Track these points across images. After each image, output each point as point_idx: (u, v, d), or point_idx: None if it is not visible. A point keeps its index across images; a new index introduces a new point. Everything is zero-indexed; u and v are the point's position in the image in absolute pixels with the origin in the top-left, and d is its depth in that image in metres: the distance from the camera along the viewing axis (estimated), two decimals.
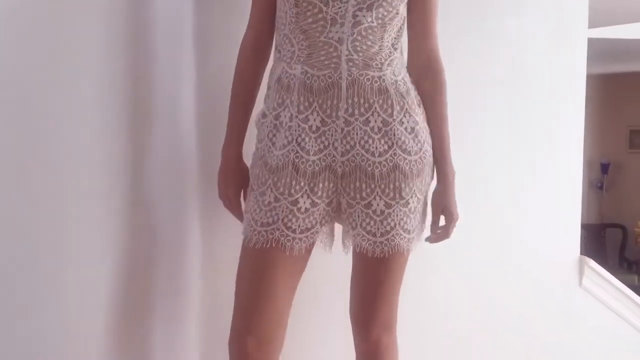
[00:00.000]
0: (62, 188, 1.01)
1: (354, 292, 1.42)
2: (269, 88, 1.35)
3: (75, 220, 1.06)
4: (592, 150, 5.78)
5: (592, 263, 2.20)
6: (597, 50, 2.30)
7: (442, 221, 1.43)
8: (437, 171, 1.40)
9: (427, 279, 1.87)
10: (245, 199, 1.39)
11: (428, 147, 1.35)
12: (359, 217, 1.30)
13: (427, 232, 1.45)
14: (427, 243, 1.45)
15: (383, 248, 1.30)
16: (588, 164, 2.27)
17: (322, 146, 1.27)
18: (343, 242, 1.38)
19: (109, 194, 1.19)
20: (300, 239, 1.26)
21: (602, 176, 6.87)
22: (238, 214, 1.41)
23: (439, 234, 1.42)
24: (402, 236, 1.31)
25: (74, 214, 1.06)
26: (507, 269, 2.06)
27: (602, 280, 2.26)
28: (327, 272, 1.56)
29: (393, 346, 1.45)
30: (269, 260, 1.26)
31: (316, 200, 1.27)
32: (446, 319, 1.96)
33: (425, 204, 1.40)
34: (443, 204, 1.39)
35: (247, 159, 1.42)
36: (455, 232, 1.57)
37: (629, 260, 6.35)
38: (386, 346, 1.42)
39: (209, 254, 1.64)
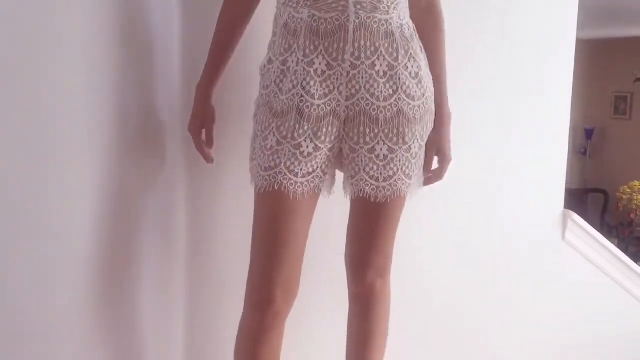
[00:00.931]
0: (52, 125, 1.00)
1: (351, 237, 1.43)
2: (274, 34, 1.34)
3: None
4: (577, 115, 5.81)
5: (576, 217, 2.24)
6: (585, 13, 2.29)
7: (435, 164, 1.45)
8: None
9: (412, 230, 1.88)
10: (207, 138, 1.41)
11: (430, 94, 1.36)
12: (362, 162, 1.31)
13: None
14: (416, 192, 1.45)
15: (385, 193, 1.32)
16: (572, 130, 2.29)
17: (327, 90, 1.26)
18: (344, 188, 1.38)
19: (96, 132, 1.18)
20: (303, 183, 1.26)
21: (586, 142, 6.93)
22: (199, 149, 1.41)
23: (432, 176, 1.44)
24: (404, 181, 1.33)
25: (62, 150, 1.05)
26: (492, 222, 2.08)
27: (584, 234, 2.30)
28: (320, 221, 1.56)
29: (386, 291, 1.47)
30: (278, 205, 1.26)
31: (319, 145, 1.27)
32: (430, 271, 1.98)
33: (424, 151, 1.41)
34: (438, 145, 1.41)
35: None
36: (442, 185, 1.58)
37: (610, 225, 6.46)
38: (380, 291, 1.45)
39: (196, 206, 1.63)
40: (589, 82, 6.29)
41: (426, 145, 1.39)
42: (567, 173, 2.26)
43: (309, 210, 1.31)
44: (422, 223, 1.91)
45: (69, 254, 1.22)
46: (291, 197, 1.25)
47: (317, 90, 1.25)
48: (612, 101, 6.89)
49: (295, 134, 1.25)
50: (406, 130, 1.30)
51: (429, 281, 1.98)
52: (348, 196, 1.37)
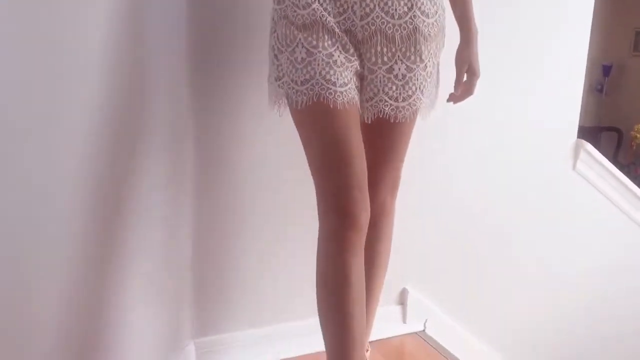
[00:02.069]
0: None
1: (365, 156, 1.40)
2: None
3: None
4: (595, 51, 5.69)
5: (589, 146, 2.24)
6: None
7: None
8: (461, 30, 1.44)
9: (425, 159, 1.90)
10: None
11: (442, 12, 1.36)
12: (380, 82, 1.31)
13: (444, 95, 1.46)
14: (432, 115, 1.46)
15: (405, 113, 1.33)
16: (589, 66, 2.25)
17: (340, 10, 1.25)
18: (361, 111, 1.36)
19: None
20: (341, 93, 1.23)
21: (603, 79, 6.80)
22: None
23: (463, 92, 1.44)
24: (421, 101, 1.34)
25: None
26: (505, 149, 2.10)
27: (596, 165, 2.30)
28: None
29: (394, 210, 1.51)
30: (323, 116, 1.24)
31: (349, 57, 1.26)
32: (443, 198, 2.01)
33: (438, 70, 1.41)
34: (467, 61, 1.42)
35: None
36: (457, 112, 1.59)
37: (622, 164, 6.41)
38: (390, 209, 1.48)
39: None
40: (609, 17, 6.11)
41: (456, 61, 1.40)
42: (581, 110, 2.25)
43: (355, 120, 1.28)
44: (435, 153, 1.94)
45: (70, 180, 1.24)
46: (331, 106, 1.22)
47: (331, 9, 1.24)
48: (632, 37, 6.71)
49: (326, 44, 1.24)
50: (422, 48, 1.30)
51: (441, 209, 2.02)
52: (366, 119, 1.36)
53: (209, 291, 1.71)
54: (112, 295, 1.35)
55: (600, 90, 6.90)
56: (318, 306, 1.31)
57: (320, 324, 1.32)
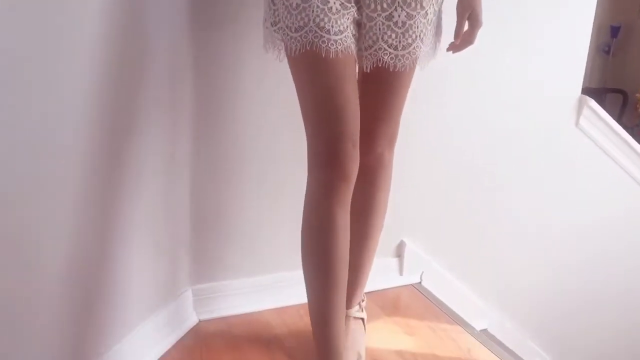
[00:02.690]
0: None
1: (363, 107, 1.37)
2: None
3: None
4: (603, 12, 5.59)
5: (592, 103, 2.22)
6: None
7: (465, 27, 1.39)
8: None
9: (429, 106, 1.88)
10: None
11: None
12: (379, 30, 1.27)
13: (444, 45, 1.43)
14: (438, 64, 1.42)
15: (404, 62, 1.29)
16: (597, 28, 2.17)
17: None
18: (359, 61, 1.33)
19: None
20: (335, 41, 1.20)
21: (610, 40, 6.69)
22: None
23: (463, 41, 1.39)
24: (421, 49, 1.31)
25: None
26: (506, 102, 2.07)
27: (599, 121, 2.28)
28: None
29: (392, 162, 1.49)
30: (316, 65, 1.21)
31: (346, 4, 1.22)
32: (447, 145, 2.00)
33: (440, 17, 1.38)
34: (470, 7, 1.35)
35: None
36: (462, 63, 1.55)
37: (626, 126, 6.36)
38: (388, 161, 1.47)
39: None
40: None
41: (457, 8, 1.36)
42: (587, 72, 2.22)
43: (350, 69, 1.25)
44: (435, 106, 1.92)
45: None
46: (324, 54, 1.19)
47: None
48: None
49: None
50: None
51: (439, 163, 2.01)
52: (365, 68, 1.32)
53: (206, 239, 1.72)
54: (111, 243, 1.35)
55: (607, 52, 6.81)
56: (302, 252, 1.31)
57: (304, 270, 1.32)
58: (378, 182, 1.48)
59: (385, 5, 1.25)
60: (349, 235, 1.31)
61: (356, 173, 1.27)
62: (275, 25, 1.26)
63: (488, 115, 2.05)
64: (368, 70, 1.31)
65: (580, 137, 2.28)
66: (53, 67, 1.10)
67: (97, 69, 1.21)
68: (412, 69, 1.35)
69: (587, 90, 2.35)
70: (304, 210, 1.30)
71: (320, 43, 1.19)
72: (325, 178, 1.25)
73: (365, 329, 1.60)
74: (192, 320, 1.69)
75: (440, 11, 1.37)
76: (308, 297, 1.32)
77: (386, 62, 1.28)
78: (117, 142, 1.32)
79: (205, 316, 1.72)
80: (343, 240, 1.28)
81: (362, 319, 1.60)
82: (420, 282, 2.04)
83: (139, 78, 1.36)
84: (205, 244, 1.71)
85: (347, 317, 1.54)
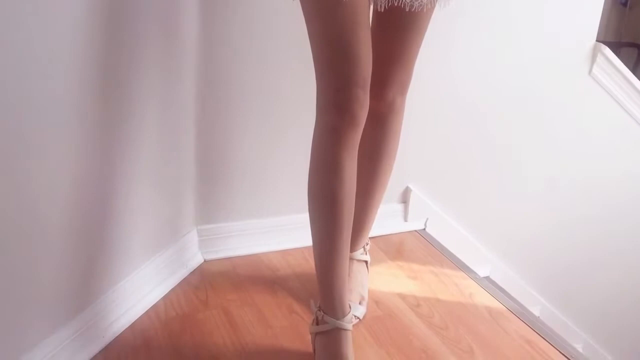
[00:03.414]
0: None
1: (377, 53, 1.31)
2: None
3: None
4: None
5: (607, 51, 2.17)
6: None
7: None
8: None
9: (439, 51, 1.85)
10: None
11: None
12: None
13: None
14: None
15: (422, 1, 1.24)
16: None
17: None
18: (376, 2, 1.26)
19: None
20: None
21: None
22: None
23: None
24: None
25: None
26: (517, 49, 2.03)
27: (613, 71, 2.24)
28: None
29: (403, 108, 1.46)
30: (329, 4, 1.15)
31: None
32: (451, 93, 1.97)
33: None
34: None
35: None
36: (473, 7, 1.50)
37: None
38: (399, 107, 1.44)
39: None
40: None
41: None
42: (602, 25, 2.16)
43: (363, 11, 1.19)
44: (455, 40, 1.88)
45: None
46: None
47: None
48: None
49: None
50: None
51: (449, 109, 1.99)
52: (380, 7, 1.25)
53: (212, 181, 1.72)
54: (115, 183, 1.36)
55: (625, 4, 6.63)
56: (308, 194, 1.30)
57: (309, 213, 1.31)
58: (388, 127, 1.46)
59: None
60: (355, 179, 1.30)
61: (365, 119, 1.24)
62: None
63: (499, 63, 2.01)
64: (382, 10, 1.24)
65: (593, 86, 2.24)
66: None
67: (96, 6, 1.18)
68: (430, 10, 1.29)
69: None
70: (311, 153, 1.29)
71: None
72: (334, 123, 1.23)
73: (368, 271, 1.61)
74: (197, 259, 1.71)
75: None
76: (313, 239, 1.32)
77: (403, 1, 1.21)
78: (121, 81, 1.30)
79: (210, 256, 1.73)
80: (349, 184, 1.27)
81: (366, 262, 1.61)
82: (424, 229, 2.04)
83: (140, 19, 1.33)
84: (210, 185, 1.71)
85: (351, 259, 1.55)
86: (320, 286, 1.32)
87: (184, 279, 1.64)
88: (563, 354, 1.48)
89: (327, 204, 1.28)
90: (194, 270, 1.68)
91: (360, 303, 1.53)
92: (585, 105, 2.27)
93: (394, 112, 1.44)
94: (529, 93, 2.11)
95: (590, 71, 2.20)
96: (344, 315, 1.30)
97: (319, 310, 1.31)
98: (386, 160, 1.51)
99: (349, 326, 1.30)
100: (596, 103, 2.28)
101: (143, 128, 1.41)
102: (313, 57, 1.23)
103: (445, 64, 1.90)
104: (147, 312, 1.49)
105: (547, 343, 1.51)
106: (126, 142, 1.36)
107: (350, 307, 1.34)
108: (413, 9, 1.25)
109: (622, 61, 2.22)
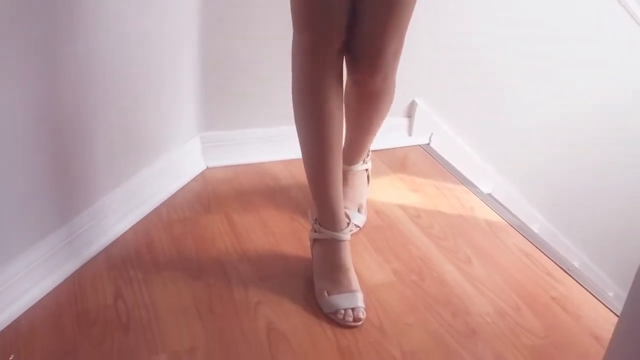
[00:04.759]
0: None
1: (363, 26, 1.20)
2: None
3: None
4: None
5: None
6: None
7: None
8: None
9: None
10: None
11: None
12: None
13: None
14: None
15: None
16: None
17: None
18: None
19: None
20: None
21: None
22: None
23: None
24: None
25: None
26: None
27: None
28: None
29: (394, 84, 1.37)
30: None
31: None
32: (459, 5, 1.90)
33: None
34: None
35: None
36: None
37: None
38: (391, 84, 1.35)
39: None
40: None
41: None
42: None
43: None
44: None
45: None
46: None
47: None
48: None
49: None
50: None
51: (455, 23, 1.92)
52: None
53: (216, 88, 1.69)
54: (121, 84, 1.33)
55: None
56: (294, 117, 1.27)
57: (298, 135, 1.29)
58: (380, 104, 1.40)
59: None
60: (342, 96, 1.26)
61: (339, 39, 1.18)
62: None
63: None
64: None
65: None
66: None
67: None
68: None
69: None
70: (292, 73, 1.25)
71: None
72: (307, 44, 1.20)
73: (369, 180, 1.61)
74: (200, 166, 1.71)
75: None
76: (303, 159, 1.30)
77: None
78: None
79: (213, 163, 1.73)
80: (332, 104, 1.22)
81: (367, 170, 1.59)
82: (428, 144, 2.03)
83: None
84: (214, 93, 1.69)
85: (349, 171, 1.54)
86: (315, 202, 1.32)
87: (186, 185, 1.64)
88: (560, 267, 1.50)
89: (313, 126, 1.26)
90: (197, 176, 1.69)
91: (359, 211, 1.54)
92: (595, 17, 2.19)
93: (386, 91, 1.36)
94: (540, 5, 2.04)
95: None
96: (341, 228, 1.30)
97: (316, 222, 1.32)
98: (381, 116, 1.45)
99: (346, 237, 1.30)
100: (606, 15, 2.20)
101: (143, 32, 1.37)
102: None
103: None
104: (149, 215, 1.50)
105: (544, 256, 1.53)
106: (127, 43, 1.33)
107: (349, 218, 1.34)
108: None
109: None
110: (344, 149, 1.37)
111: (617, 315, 1.11)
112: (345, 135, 1.47)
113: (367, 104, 1.39)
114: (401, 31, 1.23)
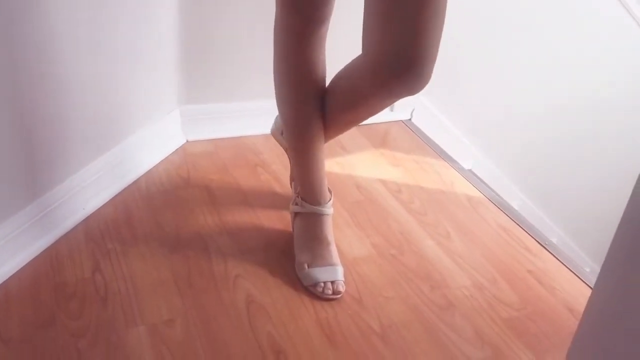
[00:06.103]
0: None
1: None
2: None
3: None
4: None
5: None
6: None
7: None
8: None
9: None
10: None
11: None
12: None
13: None
14: None
15: None
16: None
17: None
18: None
19: None
20: None
21: None
22: None
23: None
24: None
25: None
26: None
27: None
28: None
29: None
30: None
31: None
32: None
33: None
34: None
35: None
36: None
37: None
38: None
39: None
40: None
41: None
42: None
43: None
44: None
45: None
46: None
47: None
48: None
49: None
50: None
51: None
52: None
53: (196, 61, 1.67)
54: (94, 57, 1.31)
55: None
56: (275, 94, 1.27)
57: (279, 112, 1.30)
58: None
59: None
60: (324, 70, 1.23)
61: (325, 18, 1.16)
62: None
63: None
64: None
65: None
66: None
67: None
68: None
69: None
70: (273, 48, 1.24)
71: None
72: (292, 24, 1.17)
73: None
74: (179, 139, 1.69)
75: None
76: (285, 136, 1.29)
77: None
78: None
79: (193, 137, 1.72)
80: (315, 78, 1.21)
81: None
82: (410, 119, 2.03)
83: None
84: (195, 66, 1.66)
85: None
86: (297, 177, 1.32)
87: (166, 157, 1.63)
88: (537, 241, 1.51)
89: (294, 98, 1.25)
90: (177, 150, 1.67)
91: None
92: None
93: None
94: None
95: None
96: (324, 202, 1.30)
97: (298, 196, 1.31)
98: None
99: (328, 211, 1.30)
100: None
101: (121, 4, 1.34)
102: None
103: None
104: (128, 186, 1.49)
105: (522, 231, 1.55)
106: (108, 14, 1.30)
107: (331, 193, 1.34)
108: None
109: None
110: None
111: (592, 289, 1.13)
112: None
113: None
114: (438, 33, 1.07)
